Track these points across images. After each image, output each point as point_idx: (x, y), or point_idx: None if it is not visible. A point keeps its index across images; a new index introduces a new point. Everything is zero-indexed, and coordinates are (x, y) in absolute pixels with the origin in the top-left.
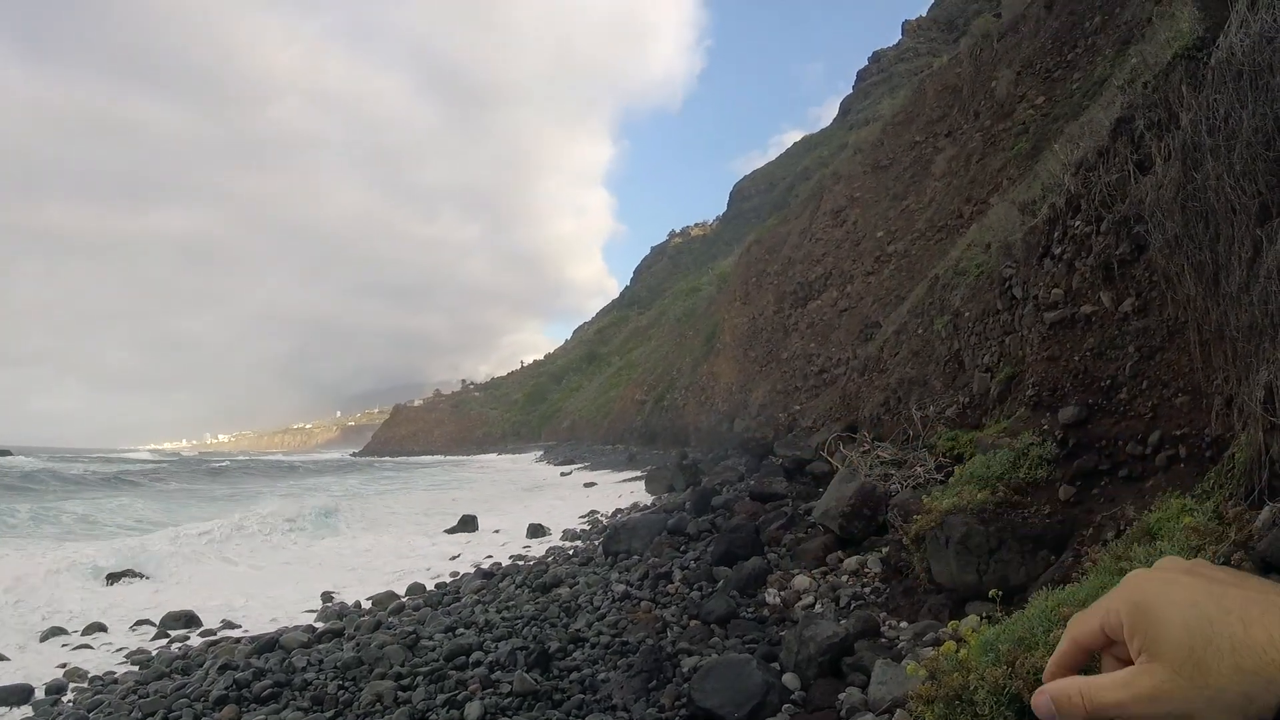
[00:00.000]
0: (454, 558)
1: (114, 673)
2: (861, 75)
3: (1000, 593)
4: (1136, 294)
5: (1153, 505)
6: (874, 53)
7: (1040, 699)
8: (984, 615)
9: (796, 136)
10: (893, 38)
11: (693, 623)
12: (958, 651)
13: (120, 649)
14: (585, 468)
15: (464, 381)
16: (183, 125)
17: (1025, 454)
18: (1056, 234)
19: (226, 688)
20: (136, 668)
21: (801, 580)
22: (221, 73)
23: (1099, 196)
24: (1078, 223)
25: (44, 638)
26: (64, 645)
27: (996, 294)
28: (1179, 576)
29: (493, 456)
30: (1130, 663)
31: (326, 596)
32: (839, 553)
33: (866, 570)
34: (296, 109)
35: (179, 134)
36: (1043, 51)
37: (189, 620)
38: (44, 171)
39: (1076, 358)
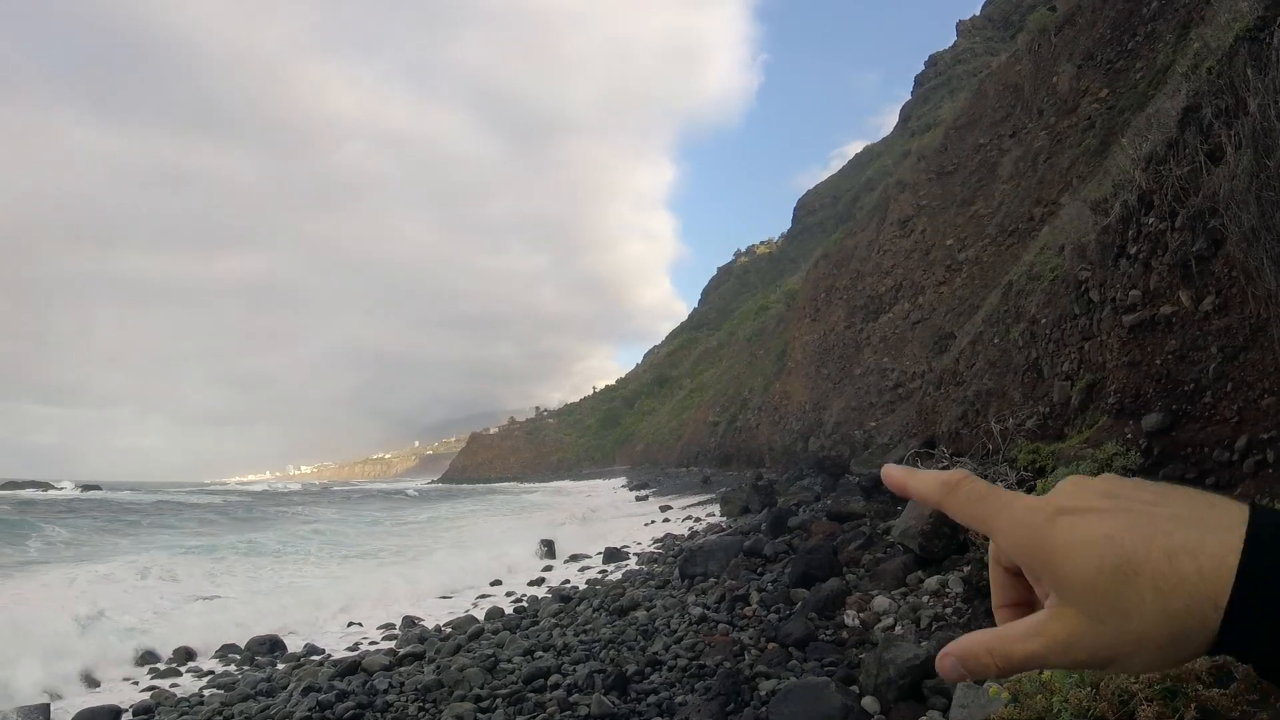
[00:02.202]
0: (532, 582)
1: (200, 695)
2: (919, 80)
3: None
4: (1216, 291)
5: None
6: (930, 56)
7: (945, 661)
8: None
9: (858, 147)
10: (948, 39)
11: (770, 645)
12: (1041, 673)
13: (208, 673)
14: (660, 491)
15: (538, 408)
16: (251, 172)
17: (1109, 465)
18: (1131, 232)
19: (310, 709)
20: (222, 690)
21: (881, 601)
22: (286, 120)
23: (1171, 191)
24: (1151, 219)
25: (138, 662)
26: (153, 668)
27: (1073, 298)
28: (1091, 502)
29: (566, 482)
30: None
31: (408, 622)
32: (919, 572)
33: (948, 590)
34: (362, 150)
35: (248, 181)
36: (1102, 42)
37: (274, 645)
38: (119, 222)
39: (1158, 361)
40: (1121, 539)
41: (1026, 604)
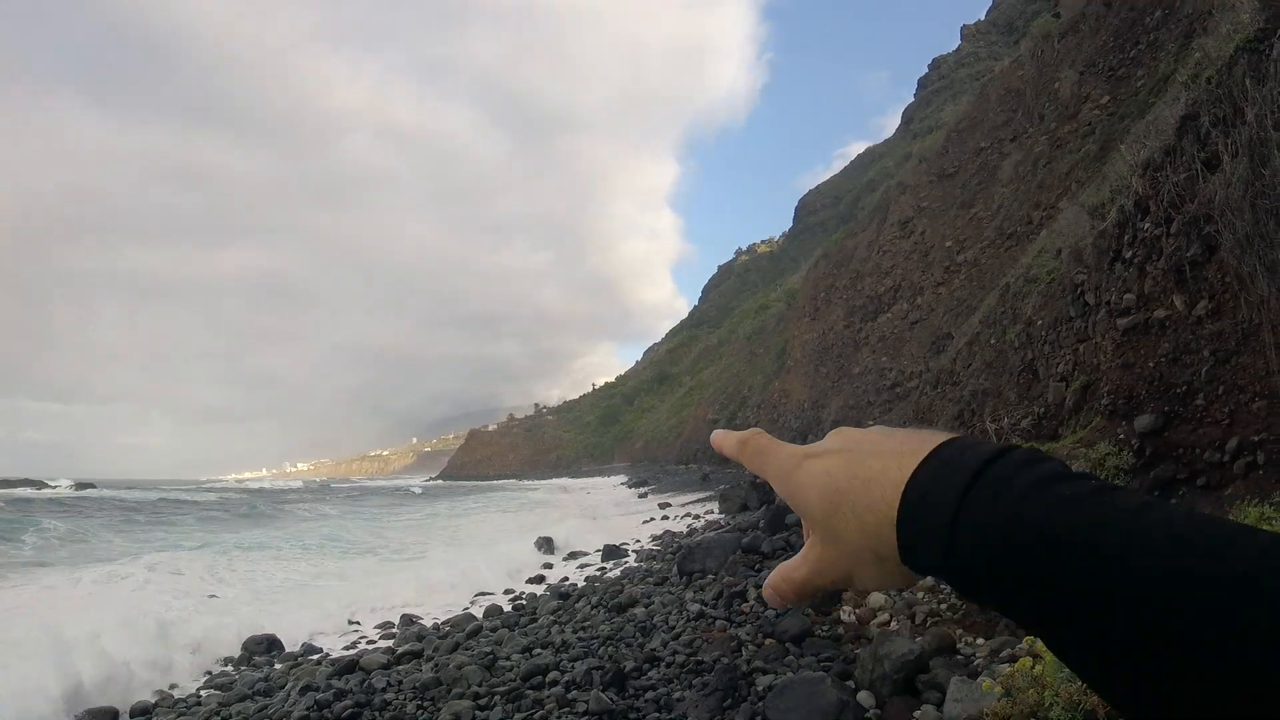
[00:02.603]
0: (530, 579)
1: (198, 695)
2: (922, 83)
3: None
4: (1210, 296)
5: (1231, 514)
6: (934, 59)
7: (766, 592)
8: None
9: (860, 148)
10: (952, 43)
11: (767, 641)
12: (1033, 668)
13: (205, 673)
14: (658, 488)
15: (537, 405)
16: (255, 167)
17: (1102, 464)
18: (1127, 237)
19: (308, 708)
20: (219, 690)
21: (876, 598)
22: (292, 115)
23: (1168, 197)
24: (1147, 225)
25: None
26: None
27: (1069, 301)
28: (828, 446)
29: (568, 480)
30: None
31: (406, 620)
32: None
33: (943, 587)
34: (367, 146)
35: (251, 176)
36: (1105, 50)
37: (271, 645)
38: (121, 217)
39: (1151, 364)
40: (835, 473)
41: None
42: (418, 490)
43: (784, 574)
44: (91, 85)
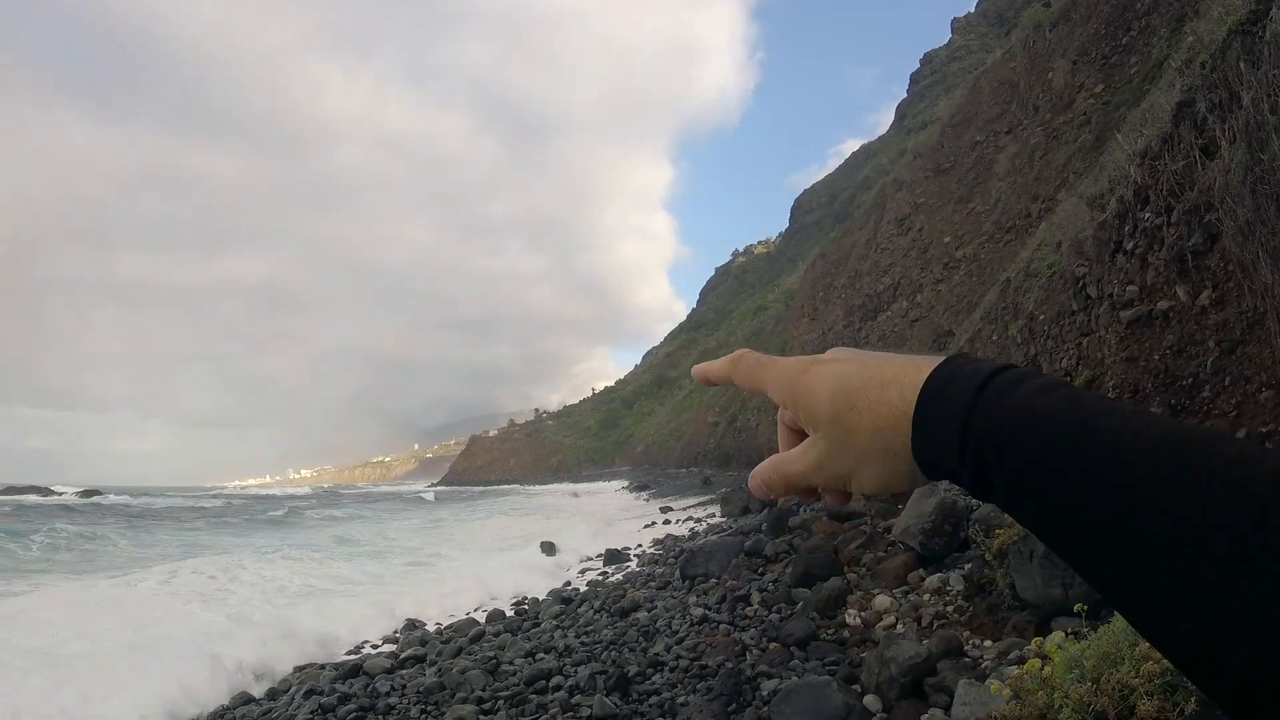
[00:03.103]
0: (532, 583)
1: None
2: (915, 78)
3: (1086, 607)
4: (1213, 286)
5: None
6: (925, 54)
7: (752, 483)
8: (1069, 631)
9: (855, 146)
10: (943, 36)
11: (772, 645)
12: (1042, 669)
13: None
14: (660, 492)
15: (537, 410)
16: (249, 174)
17: None
18: (1127, 228)
19: (312, 712)
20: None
21: (882, 600)
22: (284, 121)
23: (1167, 186)
24: (1147, 215)
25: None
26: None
27: (1070, 294)
28: (836, 355)
29: (566, 485)
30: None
31: (409, 625)
32: (920, 571)
33: (949, 588)
34: (360, 151)
35: (245, 182)
36: (1097, 37)
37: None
38: (116, 225)
39: (1156, 356)
40: (850, 375)
41: None
42: (430, 497)
43: (777, 466)
44: (85, 93)
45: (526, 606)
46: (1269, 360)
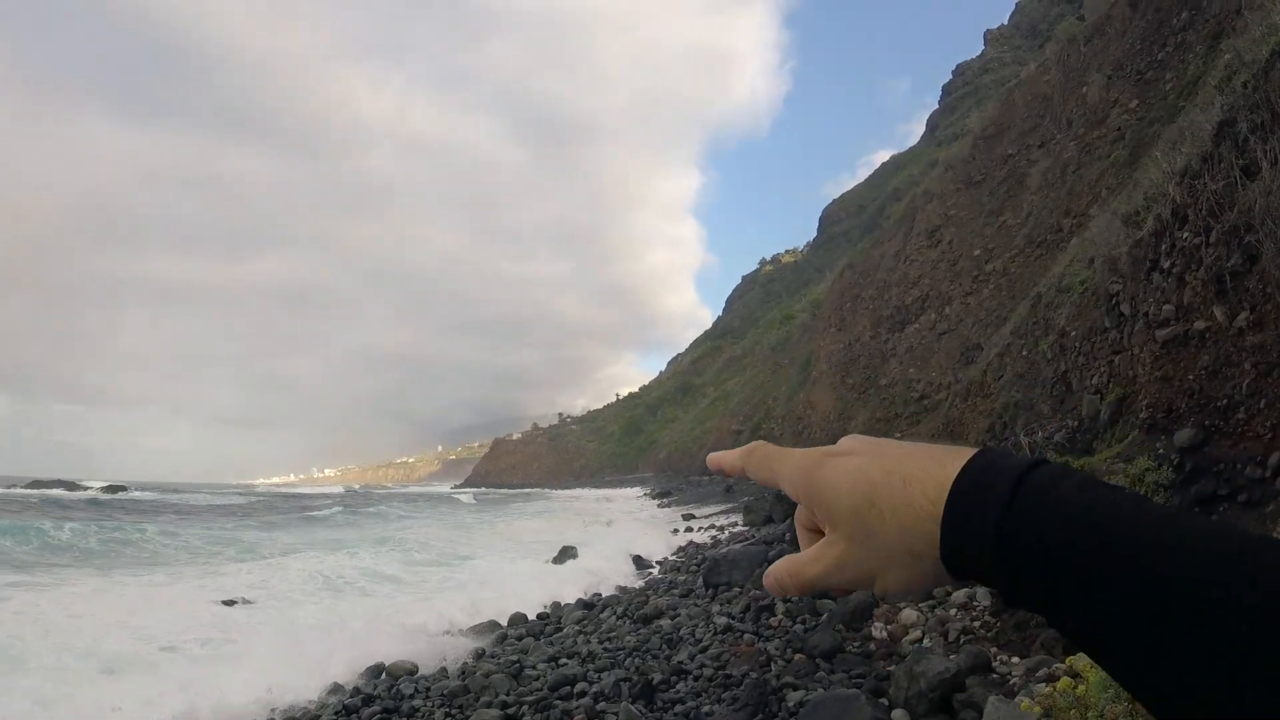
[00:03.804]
0: (555, 588)
1: None
2: (946, 90)
3: None
4: (1250, 307)
5: (1273, 532)
6: (957, 65)
7: (767, 580)
8: None
9: (885, 156)
10: (975, 48)
11: (797, 656)
12: (1075, 689)
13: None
14: (682, 499)
15: (561, 415)
16: (279, 176)
17: (1141, 480)
18: (1164, 246)
19: (336, 713)
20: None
21: (908, 614)
22: (314, 124)
23: (1206, 205)
24: (1186, 234)
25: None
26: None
27: (1103, 311)
28: (853, 447)
29: (591, 490)
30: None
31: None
32: (946, 585)
33: (975, 603)
34: (389, 155)
35: (276, 184)
36: (1132, 53)
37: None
38: (146, 225)
39: (1191, 377)
40: (869, 470)
41: None
42: (467, 499)
43: (791, 568)
44: (119, 96)
45: (548, 611)
46: None
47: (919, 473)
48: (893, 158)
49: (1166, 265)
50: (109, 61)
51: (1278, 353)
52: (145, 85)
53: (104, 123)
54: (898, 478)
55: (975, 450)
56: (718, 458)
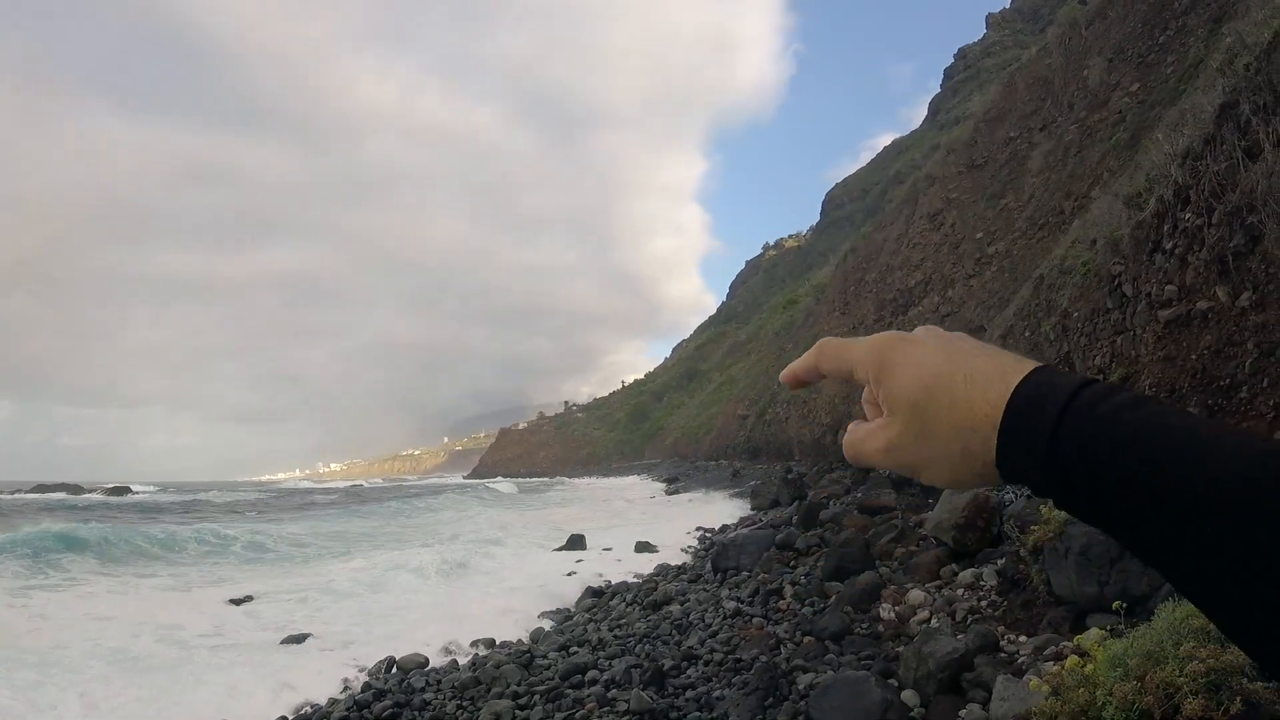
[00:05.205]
0: (566, 575)
1: None
2: (948, 73)
3: (1124, 605)
4: (1253, 288)
5: None
6: (959, 49)
7: (846, 450)
8: (1107, 628)
9: (888, 140)
10: (977, 32)
11: (806, 639)
12: (1083, 666)
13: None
14: (689, 484)
15: (567, 403)
16: (285, 167)
17: None
18: (1166, 227)
19: (348, 709)
20: None
21: (916, 594)
22: (321, 114)
23: (1209, 187)
24: (1188, 215)
25: None
26: None
27: (1105, 292)
28: (928, 337)
29: (595, 479)
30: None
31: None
32: (953, 565)
33: (982, 583)
34: (396, 144)
35: (282, 176)
36: (1133, 36)
37: (301, 640)
38: (151, 220)
39: (1194, 357)
40: (935, 362)
41: None
42: (508, 488)
43: (852, 438)
44: (120, 89)
45: (557, 599)
46: None
47: (980, 375)
48: (895, 141)
49: (1169, 246)
50: (112, 55)
51: None
52: (148, 78)
53: (106, 117)
54: (963, 374)
55: (1036, 365)
56: (790, 370)
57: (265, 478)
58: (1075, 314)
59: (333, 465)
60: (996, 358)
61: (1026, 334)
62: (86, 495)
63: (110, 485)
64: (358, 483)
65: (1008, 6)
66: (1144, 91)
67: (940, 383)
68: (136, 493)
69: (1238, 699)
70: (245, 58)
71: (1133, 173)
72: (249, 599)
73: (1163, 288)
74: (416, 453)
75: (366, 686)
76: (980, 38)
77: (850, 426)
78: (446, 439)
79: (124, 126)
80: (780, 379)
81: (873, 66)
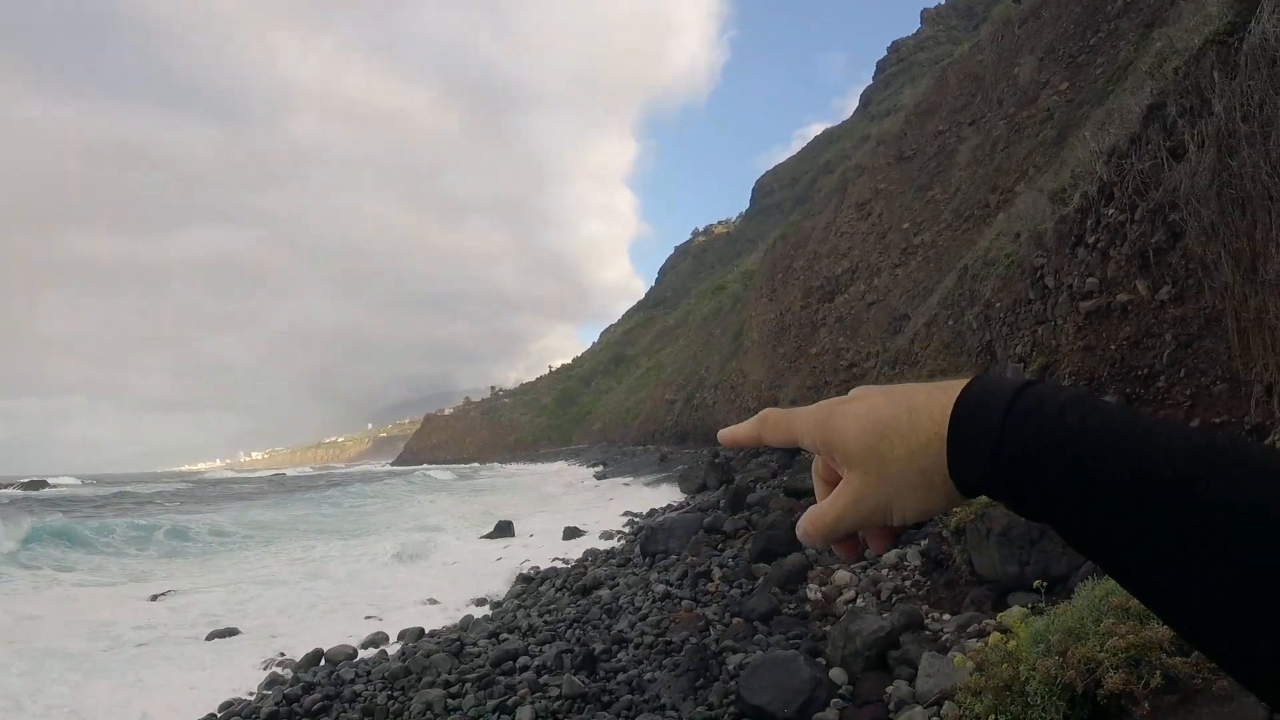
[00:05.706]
0: (495, 561)
1: None
2: (881, 65)
3: (1045, 583)
4: (1173, 282)
5: None
6: (893, 43)
7: (798, 532)
8: (1030, 606)
9: (819, 129)
10: (911, 26)
11: (735, 620)
12: (1007, 643)
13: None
14: (617, 469)
15: (494, 388)
16: (202, 147)
17: None
18: (1090, 222)
19: (277, 703)
20: None
21: (842, 575)
22: (241, 92)
23: (1133, 184)
24: (1111, 211)
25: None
26: None
27: (1028, 284)
28: (865, 392)
29: (523, 465)
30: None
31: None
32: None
33: (906, 563)
34: (318, 124)
35: (199, 157)
36: (1065, 37)
37: (230, 634)
38: (64, 201)
39: (1113, 347)
40: (878, 405)
41: None
42: (447, 475)
43: (811, 517)
44: (35, 63)
45: (486, 586)
46: (1224, 355)
47: (924, 401)
48: (826, 131)
49: (1091, 240)
50: (21, 27)
51: (1198, 325)
52: (63, 52)
53: (17, 94)
54: (904, 408)
55: (975, 375)
56: (730, 433)
57: (186, 468)
58: (998, 304)
59: (255, 454)
60: (936, 386)
61: (950, 323)
62: (1, 490)
63: (26, 479)
64: (280, 471)
65: (943, 2)
66: (1073, 91)
67: (888, 422)
68: (54, 486)
69: (1158, 673)
70: (166, 31)
71: (1058, 169)
72: (170, 593)
73: (1084, 280)
74: (340, 440)
75: (295, 680)
76: (914, 32)
77: (805, 513)
78: (371, 425)
79: (36, 104)
80: (719, 439)
81: (807, 56)
